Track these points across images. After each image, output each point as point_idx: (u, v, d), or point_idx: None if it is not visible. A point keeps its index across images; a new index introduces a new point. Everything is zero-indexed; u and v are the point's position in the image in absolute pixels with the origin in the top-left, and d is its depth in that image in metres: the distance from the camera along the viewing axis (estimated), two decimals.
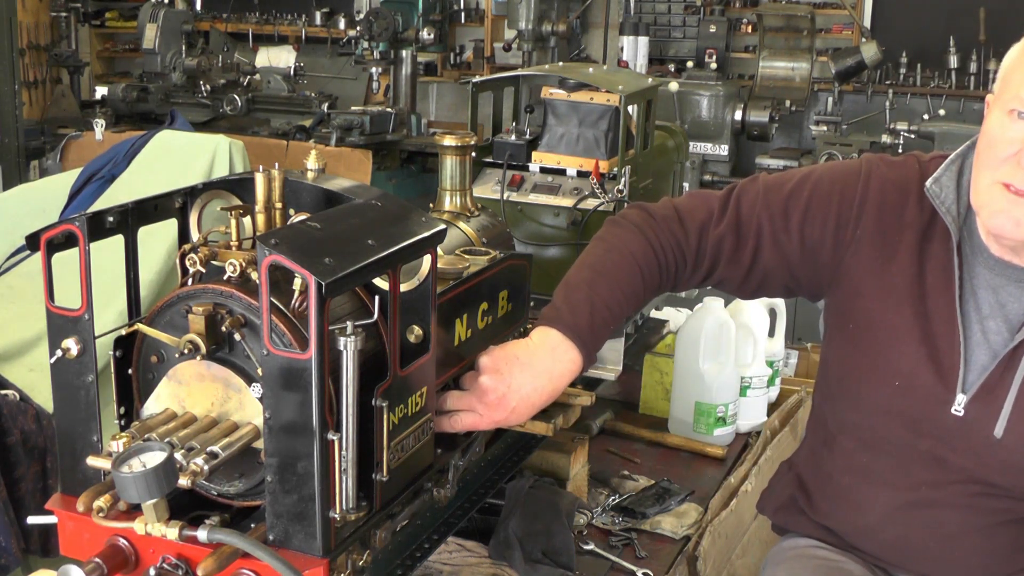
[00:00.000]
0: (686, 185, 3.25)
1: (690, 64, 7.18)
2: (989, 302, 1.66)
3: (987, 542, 1.70)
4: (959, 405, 1.66)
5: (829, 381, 1.86)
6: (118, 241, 1.48)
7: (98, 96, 7.52)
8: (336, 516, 1.33)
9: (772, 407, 2.79)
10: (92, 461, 1.38)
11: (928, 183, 1.69)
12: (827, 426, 1.86)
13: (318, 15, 8.71)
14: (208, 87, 7.08)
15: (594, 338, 1.73)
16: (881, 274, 1.72)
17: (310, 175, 1.57)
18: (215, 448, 1.33)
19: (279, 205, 1.50)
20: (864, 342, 1.74)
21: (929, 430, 1.69)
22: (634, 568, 2.04)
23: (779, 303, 2.81)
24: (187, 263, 1.47)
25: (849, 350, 1.77)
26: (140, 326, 1.45)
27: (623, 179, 2.48)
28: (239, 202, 1.57)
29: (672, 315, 3.19)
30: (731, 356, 2.54)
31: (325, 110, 6.82)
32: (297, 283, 1.36)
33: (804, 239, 1.77)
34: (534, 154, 2.63)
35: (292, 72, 7.22)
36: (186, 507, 1.42)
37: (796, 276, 1.82)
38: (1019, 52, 1.60)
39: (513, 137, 2.66)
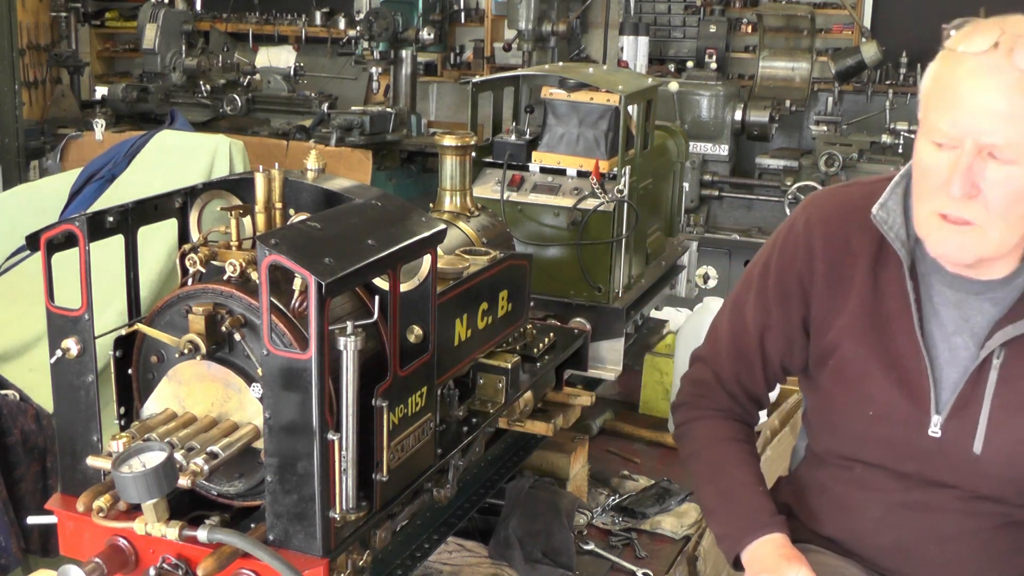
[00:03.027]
0: (686, 185, 3.25)
1: (690, 64, 7.17)
2: (953, 319, 1.64)
3: (985, 546, 1.69)
4: (935, 426, 1.64)
5: (808, 411, 1.87)
6: (118, 241, 1.48)
7: (98, 96, 7.51)
8: (336, 516, 1.33)
9: (772, 407, 2.79)
10: (92, 461, 1.38)
11: (874, 209, 1.66)
12: (813, 447, 1.87)
13: (318, 15, 8.71)
14: (208, 87, 7.07)
15: (769, 505, 1.76)
16: (840, 308, 1.71)
17: (310, 175, 1.57)
18: (215, 448, 1.33)
19: (279, 205, 1.50)
20: (835, 376, 1.73)
21: (909, 454, 1.68)
22: (634, 568, 2.04)
23: None
24: (187, 263, 1.47)
25: (823, 384, 1.77)
26: (140, 326, 1.45)
27: (623, 179, 2.48)
28: (239, 202, 1.57)
29: (672, 315, 3.19)
30: None
31: (325, 110, 6.82)
32: (297, 283, 1.36)
33: (802, 322, 1.78)
34: (534, 154, 2.63)
35: (292, 72, 7.22)
36: (186, 507, 1.42)
37: (804, 346, 1.83)
38: (931, 79, 1.57)
39: (513, 137, 2.66)
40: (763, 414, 2.70)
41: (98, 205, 3.57)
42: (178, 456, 1.30)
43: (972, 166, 1.49)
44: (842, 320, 1.70)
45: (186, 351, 1.37)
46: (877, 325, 1.68)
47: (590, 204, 2.47)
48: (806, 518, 1.83)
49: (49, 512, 1.46)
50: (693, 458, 1.88)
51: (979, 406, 1.62)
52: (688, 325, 2.59)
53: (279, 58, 7.26)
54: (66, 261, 1.40)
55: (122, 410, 1.48)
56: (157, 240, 2.14)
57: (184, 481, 1.29)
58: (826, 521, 1.80)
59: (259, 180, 1.48)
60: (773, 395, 2.81)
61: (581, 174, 2.56)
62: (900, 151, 6.10)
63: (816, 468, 1.84)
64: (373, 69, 6.95)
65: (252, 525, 1.41)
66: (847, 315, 1.70)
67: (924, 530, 1.70)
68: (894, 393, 1.66)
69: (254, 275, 1.39)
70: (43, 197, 3.79)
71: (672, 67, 7.55)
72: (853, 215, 1.70)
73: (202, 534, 1.32)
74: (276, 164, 1.51)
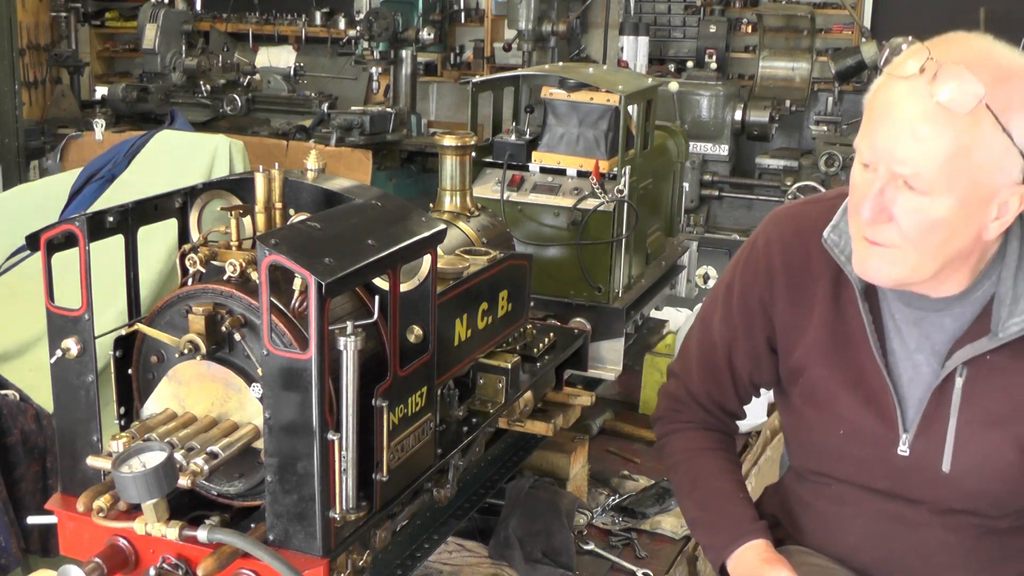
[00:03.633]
0: (686, 185, 3.25)
1: (690, 64, 7.18)
2: (914, 336, 1.62)
3: (970, 556, 1.67)
4: (904, 445, 1.63)
5: (784, 427, 1.87)
6: (118, 241, 1.48)
7: (98, 96, 7.52)
8: (336, 516, 1.33)
9: (772, 407, 2.79)
10: (92, 461, 1.38)
11: (826, 232, 1.64)
12: (791, 462, 1.87)
13: (318, 15, 8.71)
14: (208, 87, 7.08)
15: (750, 512, 1.77)
16: (803, 329, 1.69)
17: (310, 175, 1.57)
18: (215, 448, 1.33)
19: (279, 205, 1.50)
20: (805, 398, 1.72)
21: (882, 472, 1.66)
22: (634, 568, 2.04)
23: None
24: (187, 263, 1.47)
25: (795, 405, 1.75)
26: (140, 326, 1.45)
27: (623, 179, 2.48)
28: (239, 202, 1.57)
29: (672, 315, 3.19)
30: None
31: (325, 110, 6.82)
32: (297, 283, 1.36)
33: (767, 341, 1.76)
34: (534, 154, 2.63)
35: (292, 72, 7.22)
36: (186, 507, 1.42)
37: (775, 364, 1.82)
38: (867, 97, 1.52)
39: (513, 137, 2.66)
40: (763, 414, 2.71)
41: (98, 205, 3.57)
42: (178, 456, 1.30)
43: (884, 191, 1.46)
44: (806, 341, 1.69)
45: (186, 351, 1.37)
46: (840, 346, 1.66)
47: (590, 204, 2.47)
48: (793, 532, 1.84)
49: (49, 512, 1.46)
50: (673, 471, 1.88)
51: (945, 424, 1.60)
52: (688, 325, 2.59)
53: (279, 58, 7.26)
54: (66, 261, 1.40)
55: (122, 410, 1.48)
56: (157, 240, 2.13)
57: (184, 481, 1.29)
58: (811, 536, 1.80)
59: (259, 180, 1.47)
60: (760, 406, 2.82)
61: (581, 174, 2.56)
62: None
63: (798, 482, 1.84)
64: (373, 69, 6.96)
65: (252, 525, 1.41)
66: (810, 336, 1.68)
67: (906, 546, 1.70)
68: (862, 413, 1.65)
69: (254, 275, 1.39)
70: (43, 197, 3.79)
71: (672, 67, 7.56)
72: (812, 235, 1.67)
73: (202, 534, 1.32)
74: (276, 164, 1.51)
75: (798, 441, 1.81)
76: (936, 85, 1.41)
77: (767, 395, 2.70)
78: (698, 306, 2.64)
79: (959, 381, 1.58)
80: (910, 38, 1.50)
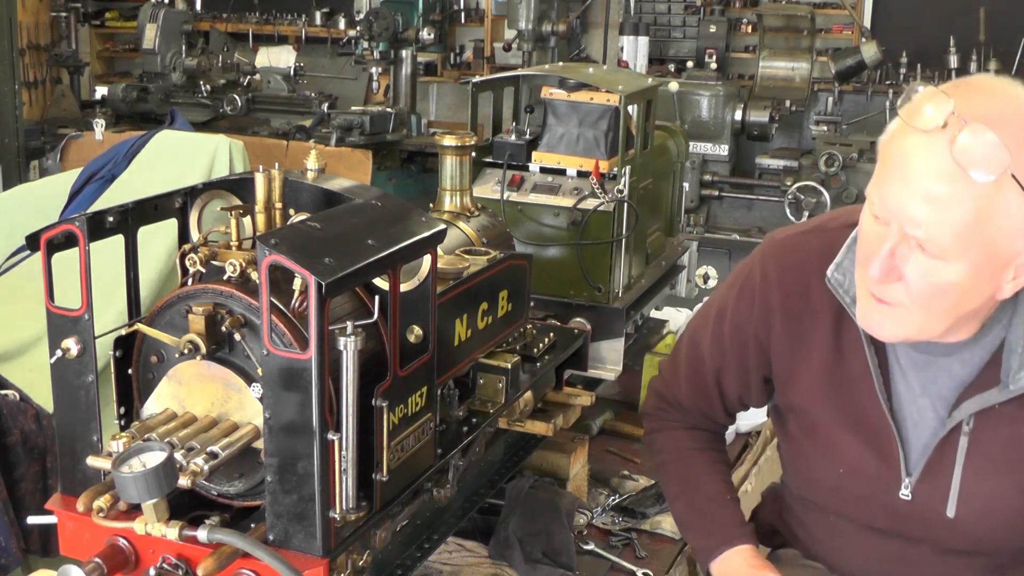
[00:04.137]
0: (686, 185, 3.25)
1: (690, 64, 7.18)
2: (920, 380, 1.55)
3: None
4: (906, 489, 1.57)
5: (784, 455, 1.81)
6: (118, 241, 1.48)
7: (98, 96, 7.52)
8: (336, 516, 1.33)
9: None
10: (92, 461, 1.38)
11: (829, 272, 1.55)
12: (788, 484, 1.83)
13: (318, 15, 8.71)
14: (208, 87, 7.08)
15: (738, 516, 1.76)
16: (803, 371, 1.63)
17: (310, 175, 1.57)
18: (215, 448, 1.33)
19: (279, 205, 1.50)
20: (803, 431, 1.67)
21: (882, 512, 1.62)
22: (634, 568, 2.03)
23: None
24: (187, 263, 1.47)
25: (793, 434, 1.70)
26: (140, 326, 1.45)
27: (623, 179, 2.48)
28: (239, 202, 1.57)
29: (672, 315, 3.19)
30: None
31: (325, 110, 6.82)
32: (297, 283, 1.36)
33: (759, 370, 1.71)
34: (534, 154, 2.63)
35: (292, 72, 7.23)
36: (186, 507, 1.42)
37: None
38: (883, 138, 1.41)
39: (513, 137, 2.66)
40: (763, 414, 2.70)
41: (98, 205, 3.57)
42: (178, 456, 1.30)
43: (895, 250, 1.38)
44: (805, 379, 1.63)
45: (186, 351, 1.37)
46: (841, 387, 1.59)
47: (590, 204, 2.47)
48: (795, 543, 1.82)
49: (49, 512, 1.46)
50: (661, 471, 1.87)
51: (950, 471, 1.54)
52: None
53: (279, 58, 7.26)
54: (66, 261, 1.40)
55: (122, 410, 1.48)
56: (157, 240, 2.14)
57: (184, 481, 1.29)
58: (813, 554, 1.78)
59: (259, 180, 1.47)
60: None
61: (581, 174, 2.55)
62: None
63: (794, 501, 1.81)
64: (373, 69, 6.96)
65: (252, 525, 1.41)
66: (809, 375, 1.63)
67: None
68: (863, 454, 1.60)
69: (254, 275, 1.39)
70: (43, 197, 3.80)
71: (672, 67, 7.56)
72: (813, 270, 1.59)
73: (202, 534, 1.31)
74: (276, 164, 1.51)
75: (795, 468, 1.76)
76: (958, 148, 1.29)
77: None
78: (698, 306, 2.65)
79: (966, 428, 1.52)
80: (926, 85, 1.37)
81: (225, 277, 1.41)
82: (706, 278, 3.23)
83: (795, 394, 1.66)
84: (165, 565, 1.37)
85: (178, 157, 3.80)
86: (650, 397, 1.91)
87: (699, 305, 2.62)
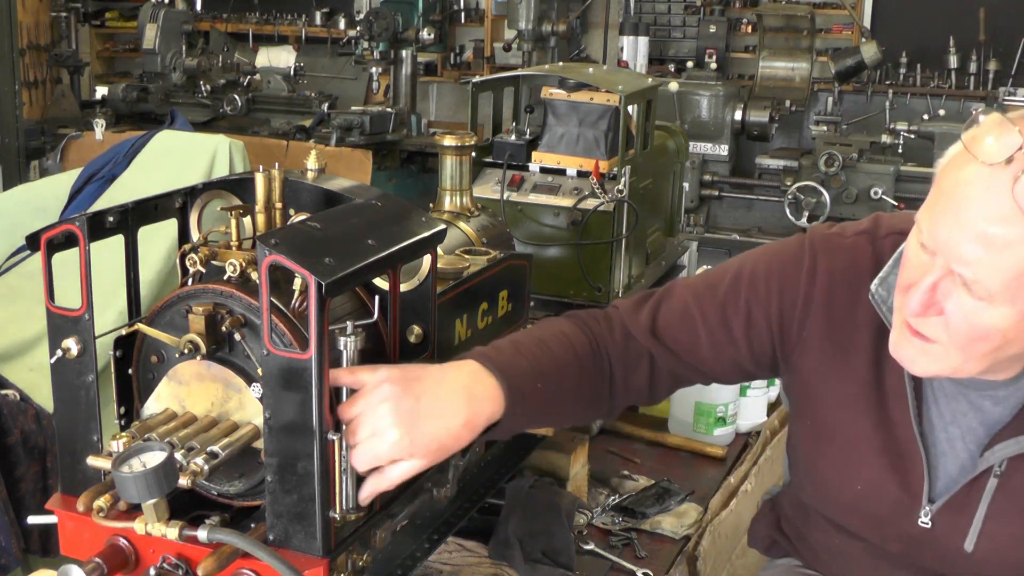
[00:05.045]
0: (686, 185, 3.25)
1: (690, 64, 7.19)
2: (952, 410, 1.49)
3: None
4: (926, 517, 1.52)
5: (796, 458, 1.73)
6: (118, 241, 1.48)
7: (98, 96, 7.53)
8: (336, 516, 1.33)
9: (772, 407, 2.79)
10: (92, 461, 1.38)
11: (873, 286, 1.48)
12: (795, 491, 1.77)
13: (318, 15, 8.73)
14: (208, 87, 7.08)
15: (519, 375, 1.48)
16: (834, 378, 1.55)
17: (310, 175, 1.57)
18: (215, 448, 1.33)
19: (279, 205, 1.50)
20: (823, 441, 1.60)
21: (896, 536, 1.56)
22: (634, 568, 2.03)
23: None
24: (187, 263, 1.47)
25: (811, 442, 1.63)
26: (140, 326, 1.45)
27: (623, 179, 2.48)
28: (239, 202, 1.57)
29: None
30: None
31: (325, 110, 6.83)
32: (297, 283, 1.36)
33: (752, 344, 1.59)
34: (534, 154, 2.63)
35: (292, 72, 7.23)
36: (186, 507, 1.42)
37: (747, 371, 1.66)
38: (941, 162, 1.33)
39: (513, 137, 2.66)
40: (763, 414, 2.71)
41: (98, 205, 3.57)
42: (178, 456, 1.30)
43: (939, 285, 1.31)
44: (837, 387, 1.55)
45: (186, 351, 1.37)
46: (874, 402, 1.53)
47: (590, 204, 2.47)
48: (795, 555, 1.80)
49: (49, 512, 1.46)
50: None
51: (974, 507, 1.48)
52: None
53: (279, 58, 7.27)
54: (66, 261, 1.40)
55: (122, 410, 1.48)
56: (157, 240, 2.13)
57: (184, 481, 1.29)
58: (816, 568, 1.76)
59: (259, 180, 1.47)
60: (773, 394, 2.83)
61: (581, 174, 2.56)
62: (900, 151, 6.11)
63: (803, 521, 1.76)
64: (373, 69, 6.96)
65: (252, 525, 1.41)
66: (843, 384, 1.55)
67: None
68: (886, 476, 1.54)
69: (254, 275, 1.38)
70: (43, 197, 3.79)
71: (672, 67, 7.57)
72: (863, 279, 1.51)
73: (202, 534, 1.31)
74: (276, 164, 1.51)
75: (809, 478, 1.68)
76: (1020, 188, 1.19)
77: (767, 395, 2.72)
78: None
79: (997, 470, 1.47)
80: (997, 114, 1.27)
81: (225, 277, 1.41)
82: None
83: (822, 401, 1.58)
84: (165, 565, 1.37)
85: (178, 157, 3.80)
86: (579, 312, 1.70)
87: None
